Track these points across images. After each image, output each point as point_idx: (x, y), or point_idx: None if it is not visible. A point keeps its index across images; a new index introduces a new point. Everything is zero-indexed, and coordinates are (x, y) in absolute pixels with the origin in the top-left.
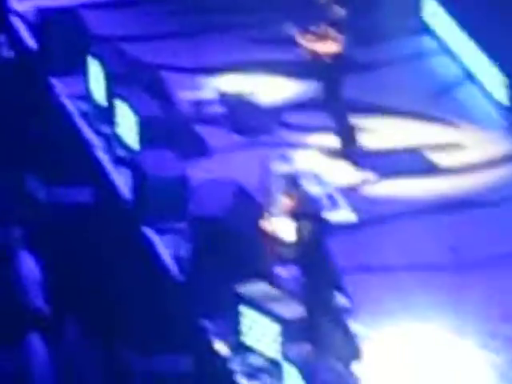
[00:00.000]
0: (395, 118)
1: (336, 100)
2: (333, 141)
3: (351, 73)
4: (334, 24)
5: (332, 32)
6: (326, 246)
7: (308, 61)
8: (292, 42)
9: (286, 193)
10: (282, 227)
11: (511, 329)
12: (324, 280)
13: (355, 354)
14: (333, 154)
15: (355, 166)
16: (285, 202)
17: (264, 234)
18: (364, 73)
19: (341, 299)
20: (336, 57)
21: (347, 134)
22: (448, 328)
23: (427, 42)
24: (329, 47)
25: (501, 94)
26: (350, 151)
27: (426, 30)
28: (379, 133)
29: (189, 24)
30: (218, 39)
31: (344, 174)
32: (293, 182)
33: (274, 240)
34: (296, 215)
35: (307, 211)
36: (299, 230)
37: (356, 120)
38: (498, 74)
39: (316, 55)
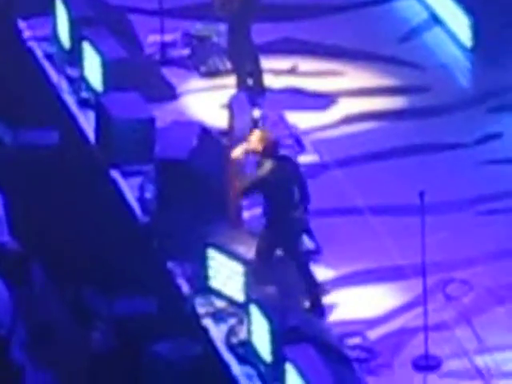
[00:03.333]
0: (363, 61)
1: (245, 41)
2: (299, 82)
3: (321, 16)
4: None
5: None
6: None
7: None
8: None
9: (251, 134)
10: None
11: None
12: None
13: (318, 294)
14: (299, 96)
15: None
16: (251, 142)
17: (229, 175)
18: (332, 16)
19: (306, 242)
20: None
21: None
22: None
23: None
24: None
25: (465, 36)
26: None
27: None
28: (347, 75)
29: None
30: None
31: (311, 116)
32: (258, 123)
33: (239, 181)
34: (263, 155)
35: (273, 152)
36: (265, 170)
37: (324, 62)
38: (462, 15)
39: None
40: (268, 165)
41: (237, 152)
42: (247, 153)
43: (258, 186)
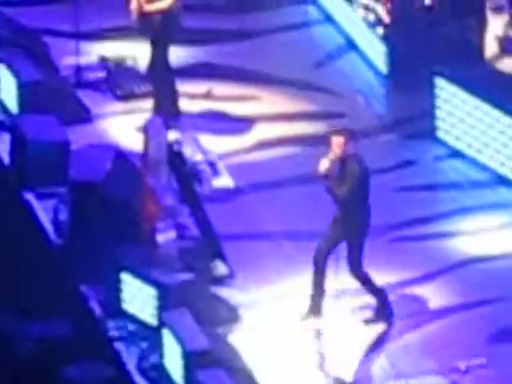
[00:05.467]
0: (279, 86)
1: (165, 64)
2: (216, 106)
3: (238, 41)
4: None
5: None
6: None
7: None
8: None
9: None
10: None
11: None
12: (204, 246)
13: (232, 319)
14: (215, 120)
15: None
16: (333, 151)
17: (144, 199)
18: (247, 41)
19: (220, 265)
20: (166, 16)
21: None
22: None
23: (311, 11)
24: (157, 5)
25: (381, 62)
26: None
27: None
28: (263, 100)
29: None
30: (99, 4)
31: (224, 140)
32: (174, 147)
33: (154, 205)
34: (178, 178)
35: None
36: (355, 168)
37: (241, 87)
38: (378, 42)
39: (145, 14)
40: (354, 162)
41: (324, 165)
42: (334, 162)
43: (359, 185)
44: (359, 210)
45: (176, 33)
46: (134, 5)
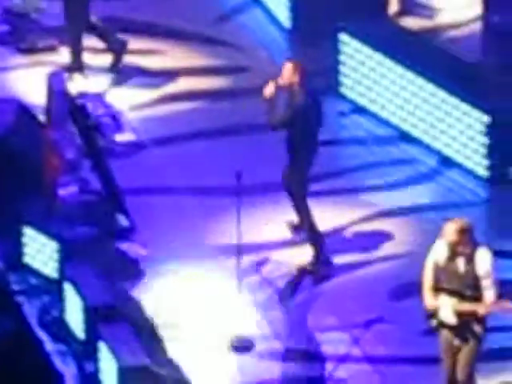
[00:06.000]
0: (182, 41)
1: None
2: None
3: None
4: None
5: None
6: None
7: None
8: None
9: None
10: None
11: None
12: (106, 200)
13: (134, 274)
14: (117, 75)
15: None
16: (285, 76)
17: (46, 153)
18: None
19: (122, 219)
20: None
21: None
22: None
23: None
24: None
25: (284, 17)
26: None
27: None
28: (165, 55)
29: None
30: None
31: (126, 94)
32: (76, 101)
33: (56, 158)
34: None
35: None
36: (302, 98)
37: (142, 41)
38: None
39: None
40: (299, 96)
41: (270, 88)
42: (281, 87)
43: (298, 114)
44: (300, 145)
45: None
46: None
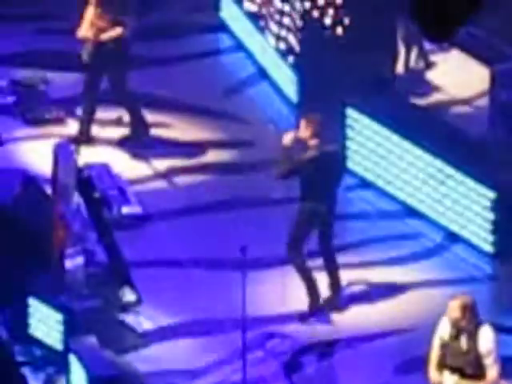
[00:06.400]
0: (188, 114)
1: (123, 88)
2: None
3: (145, 67)
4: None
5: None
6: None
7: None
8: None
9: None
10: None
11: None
12: (112, 272)
13: (139, 347)
14: (123, 146)
15: (143, 158)
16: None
17: (53, 224)
18: (158, 67)
19: (128, 292)
20: (122, 43)
21: (138, 125)
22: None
23: (223, 39)
24: (111, 33)
25: (292, 92)
26: (139, 142)
27: (222, 27)
28: (174, 128)
29: None
30: (8, 29)
31: (134, 166)
32: (83, 172)
33: (62, 230)
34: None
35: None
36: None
37: (149, 114)
38: (289, 71)
39: (99, 42)
40: (315, 150)
41: (287, 139)
42: (297, 141)
43: (306, 166)
44: (309, 197)
45: (129, 59)
46: (87, 33)
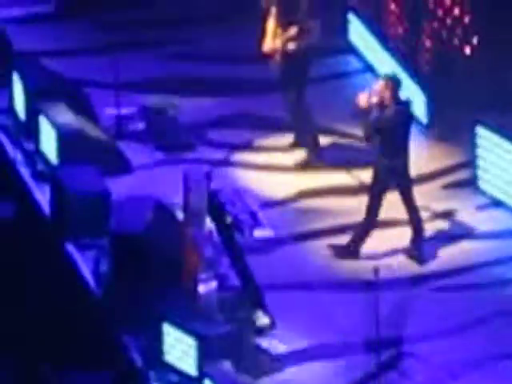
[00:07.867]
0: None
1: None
2: (256, 156)
3: (272, 90)
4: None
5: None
6: (246, 264)
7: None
8: (212, 58)
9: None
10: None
11: None
12: (245, 296)
13: (274, 371)
14: (257, 168)
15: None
16: (377, 91)
17: (185, 250)
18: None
19: (261, 316)
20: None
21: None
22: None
23: (351, 61)
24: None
25: (421, 113)
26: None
27: (351, 49)
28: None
29: (109, 40)
30: (139, 55)
31: (266, 190)
32: (215, 197)
33: (195, 256)
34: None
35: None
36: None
37: (281, 137)
38: (418, 92)
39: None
40: (393, 107)
41: (362, 99)
42: (372, 102)
43: (383, 125)
44: (389, 154)
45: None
46: (274, 45)
